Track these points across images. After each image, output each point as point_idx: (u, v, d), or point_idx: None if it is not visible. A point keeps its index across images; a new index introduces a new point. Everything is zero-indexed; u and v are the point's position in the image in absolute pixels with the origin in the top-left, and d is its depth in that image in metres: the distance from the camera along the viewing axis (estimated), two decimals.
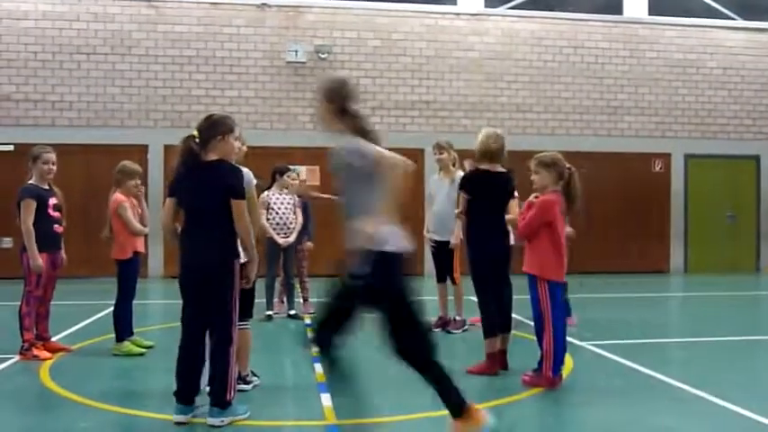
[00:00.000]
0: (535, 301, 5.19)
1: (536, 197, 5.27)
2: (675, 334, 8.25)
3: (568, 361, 5.60)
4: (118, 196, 6.28)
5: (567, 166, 5.24)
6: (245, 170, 4.83)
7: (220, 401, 4.28)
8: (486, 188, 5.66)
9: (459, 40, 13.63)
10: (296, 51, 12.84)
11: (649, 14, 14.37)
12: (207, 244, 4.28)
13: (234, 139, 4.45)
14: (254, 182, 4.93)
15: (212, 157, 4.35)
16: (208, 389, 4.38)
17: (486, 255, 5.64)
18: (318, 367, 5.74)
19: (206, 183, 4.30)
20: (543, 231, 5.13)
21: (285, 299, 8.32)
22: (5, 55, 12.37)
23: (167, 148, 11.74)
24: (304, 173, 8.57)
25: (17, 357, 6.02)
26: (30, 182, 6.14)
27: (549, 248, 5.12)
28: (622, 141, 14.04)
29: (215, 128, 4.37)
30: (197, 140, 4.34)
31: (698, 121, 14.41)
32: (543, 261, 5.13)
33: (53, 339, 6.47)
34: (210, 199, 4.29)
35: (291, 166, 8.00)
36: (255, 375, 5.18)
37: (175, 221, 4.47)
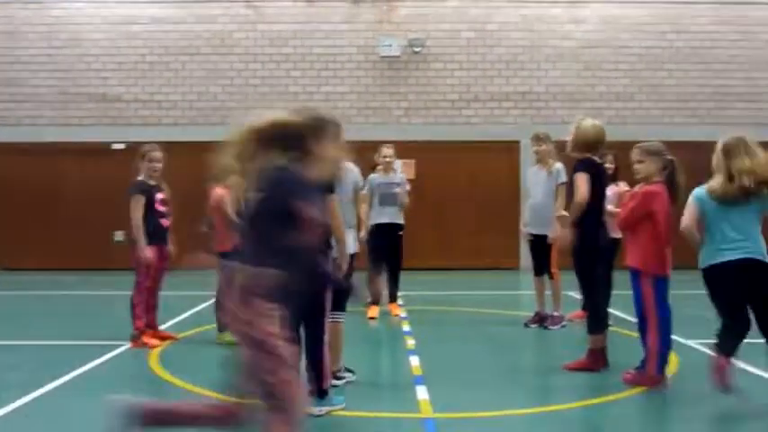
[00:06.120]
0: (638, 296, 5.01)
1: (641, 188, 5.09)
2: None
3: (673, 359, 5.37)
4: (219, 191, 6.49)
5: (670, 157, 5.04)
6: (351, 166, 4.94)
7: (317, 390, 4.36)
8: (600, 178, 5.49)
9: (556, 29, 13.29)
10: (390, 45, 12.88)
11: None
12: None
13: None
14: (361, 180, 5.03)
15: None
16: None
17: (601, 246, 5.49)
18: (414, 360, 5.78)
19: None
20: (644, 223, 4.94)
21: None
22: (117, 58, 13.06)
23: None
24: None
25: (128, 344, 6.35)
26: (138, 178, 6.46)
27: (649, 241, 4.93)
28: (732, 130, 13.22)
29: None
30: None
31: None
32: (645, 255, 4.94)
33: (161, 328, 6.79)
34: None
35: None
36: (350, 371, 5.15)
37: None
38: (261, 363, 2.74)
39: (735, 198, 4.54)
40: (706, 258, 4.68)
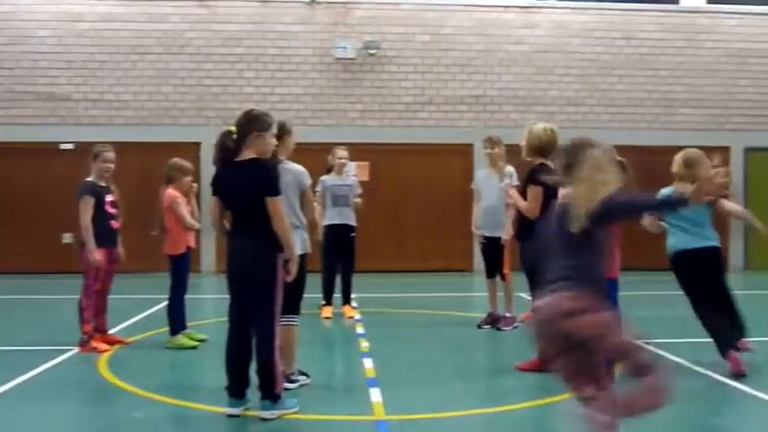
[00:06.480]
0: None
1: None
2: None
3: None
4: (171, 192, 6.41)
5: (619, 158, 5.15)
6: (301, 168, 4.91)
7: (269, 394, 4.33)
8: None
9: (509, 34, 13.47)
10: (345, 48, 12.87)
11: (708, 3, 13.96)
12: (249, 240, 4.33)
13: (271, 136, 4.46)
14: (310, 181, 5.00)
15: (248, 154, 4.35)
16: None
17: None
18: (368, 363, 5.79)
19: (241, 182, 4.32)
20: None
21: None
22: (65, 56, 12.75)
23: None
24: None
25: (77, 349, 6.21)
26: (88, 179, 6.33)
27: None
28: (678, 135, 13.63)
29: (253, 123, 4.39)
30: (234, 136, 4.38)
31: (757, 113, 13.94)
32: None
33: (110, 332, 6.66)
34: (247, 198, 4.32)
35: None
36: (304, 374, 5.14)
37: (224, 218, 4.53)
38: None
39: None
40: (674, 246, 5.58)
